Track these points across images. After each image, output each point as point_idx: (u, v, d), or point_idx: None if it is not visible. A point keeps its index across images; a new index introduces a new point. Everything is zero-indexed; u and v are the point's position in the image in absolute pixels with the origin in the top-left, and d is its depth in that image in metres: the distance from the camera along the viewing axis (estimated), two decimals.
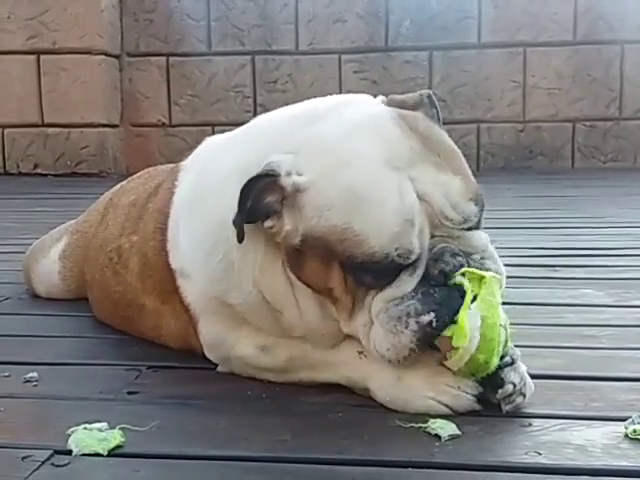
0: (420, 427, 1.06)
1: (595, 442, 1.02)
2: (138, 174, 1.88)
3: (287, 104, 1.33)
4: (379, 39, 5.93)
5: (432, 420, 1.07)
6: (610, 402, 1.17)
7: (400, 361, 1.10)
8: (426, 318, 1.06)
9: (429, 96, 1.24)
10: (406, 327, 1.07)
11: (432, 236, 1.09)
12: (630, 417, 1.07)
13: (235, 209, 1.13)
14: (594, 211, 3.53)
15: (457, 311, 1.06)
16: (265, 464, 0.98)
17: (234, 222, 1.14)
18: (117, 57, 5.98)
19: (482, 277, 1.08)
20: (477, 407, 1.11)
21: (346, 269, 1.10)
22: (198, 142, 1.48)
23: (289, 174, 1.11)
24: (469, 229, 1.12)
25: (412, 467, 0.96)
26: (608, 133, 5.92)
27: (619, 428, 1.05)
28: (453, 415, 1.10)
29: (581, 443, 1.01)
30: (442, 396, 1.11)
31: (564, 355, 1.41)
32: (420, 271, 1.08)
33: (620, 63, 5.86)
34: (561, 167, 5.86)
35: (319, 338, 1.21)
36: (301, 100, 1.33)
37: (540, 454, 0.98)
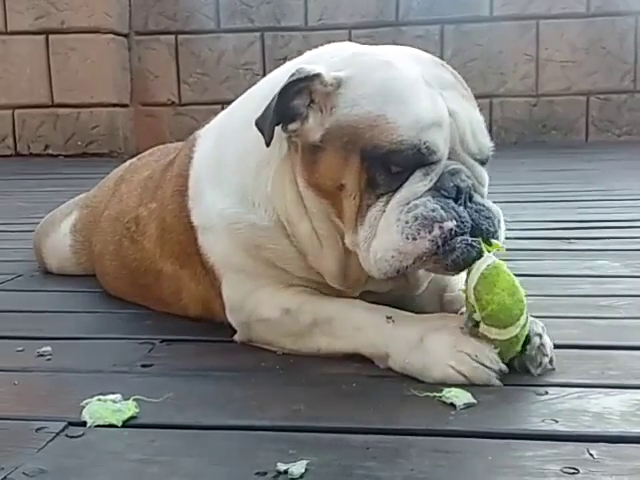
0: (435, 396, 1.05)
1: (612, 410, 1.01)
2: (147, 152, 1.91)
3: None
4: (389, 13, 5.87)
5: (447, 389, 1.06)
6: (627, 370, 1.16)
7: (400, 270, 1.11)
8: (450, 224, 1.09)
9: None
10: (430, 232, 1.08)
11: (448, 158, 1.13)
12: None
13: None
14: (609, 184, 3.50)
15: (478, 226, 1.10)
16: (280, 433, 0.97)
17: (259, 124, 1.17)
18: (126, 36, 5.95)
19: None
20: (495, 382, 1.09)
21: (366, 161, 1.12)
22: (209, 121, 1.49)
23: (327, 72, 1.15)
24: (480, 163, 1.17)
25: (427, 435, 0.95)
26: (622, 106, 5.84)
27: (636, 396, 1.05)
28: (468, 384, 1.09)
29: (598, 411, 1.00)
30: (461, 366, 1.10)
31: (581, 325, 1.39)
32: (435, 175, 1.11)
33: (634, 35, 5.77)
34: (575, 141, 5.80)
35: (331, 265, 1.23)
36: None
37: (557, 422, 0.97)
